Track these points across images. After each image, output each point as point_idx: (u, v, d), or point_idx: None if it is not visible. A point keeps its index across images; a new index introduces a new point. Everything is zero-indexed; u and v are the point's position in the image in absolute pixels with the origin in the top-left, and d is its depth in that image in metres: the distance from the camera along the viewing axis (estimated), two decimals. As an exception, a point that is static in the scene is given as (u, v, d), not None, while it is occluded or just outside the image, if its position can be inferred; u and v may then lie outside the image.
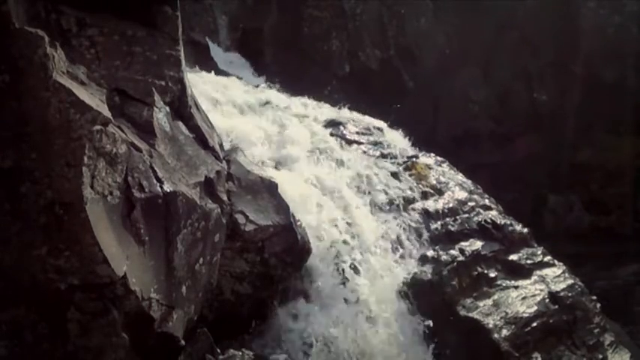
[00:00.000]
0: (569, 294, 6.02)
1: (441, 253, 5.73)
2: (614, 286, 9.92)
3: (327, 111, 7.38)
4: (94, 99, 3.62)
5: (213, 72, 7.79)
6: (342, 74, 11.24)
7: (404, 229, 5.83)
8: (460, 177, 6.79)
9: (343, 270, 5.18)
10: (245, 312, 4.76)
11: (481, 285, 5.73)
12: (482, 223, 6.20)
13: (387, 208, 5.92)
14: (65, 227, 3.37)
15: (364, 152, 6.62)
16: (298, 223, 4.97)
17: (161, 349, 3.91)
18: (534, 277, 6.02)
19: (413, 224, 5.91)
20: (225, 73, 8.12)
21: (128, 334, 3.60)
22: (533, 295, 5.82)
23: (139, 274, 3.65)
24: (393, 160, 6.59)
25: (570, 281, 6.16)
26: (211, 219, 4.34)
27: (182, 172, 4.21)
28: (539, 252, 6.31)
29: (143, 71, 4.23)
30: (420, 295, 5.40)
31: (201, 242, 4.23)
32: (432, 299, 5.43)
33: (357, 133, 6.95)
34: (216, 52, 9.65)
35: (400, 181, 6.28)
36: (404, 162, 6.61)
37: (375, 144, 6.82)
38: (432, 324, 5.29)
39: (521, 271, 6.03)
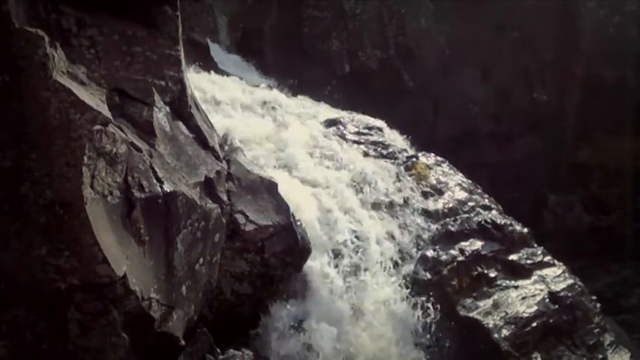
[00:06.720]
0: (569, 294, 6.02)
1: (441, 253, 5.73)
2: (613, 286, 9.93)
3: (327, 111, 7.38)
4: (94, 99, 3.62)
5: (213, 72, 7.78)
6: (342, 74, 11.25)
7: (404, 228, 5.83)
8: (460, 177, 6.78)
9: (343, 270, 5.18)
10: (245, 312, 4.76)
11: (481, 285, 5.73)
12: (483, 223, 6.19)
13: (387, 208, 5.92)
14: (65, 227, 3.37)
15: (364, 152, 6.62)
16: (298, 223, 4.97)
17: (161, 349, 3.91)
18: (534, 277, 6.02)
19: (413, 224, 5.91)
20: (225, 73, 8.11)
21: (128, 334, 3.60)
22: (533, 295, 5.82)
23: (139, 274, 3.65)
24: (393, 160, 6.58)
25: (570, 281, 6.16)
26: (211, 219, 4.34)
27: (182, 172, 4.21)
28: (539, 252, 6.31)
29: (143, 71, 4.22)
30: (420, 295, 5.41)
31: (201, 242, 4.23)
32: (432, 299, 5.43)
33: (357, 133, 6.95)
34: (216, 52, 9.63)
35: (400, 181, 6.28)
36: (404, 162, 6.61)
37: (375, 144, 6.82)
38: (431, 324, 5.29)
39: (521, 271, 6.03)
